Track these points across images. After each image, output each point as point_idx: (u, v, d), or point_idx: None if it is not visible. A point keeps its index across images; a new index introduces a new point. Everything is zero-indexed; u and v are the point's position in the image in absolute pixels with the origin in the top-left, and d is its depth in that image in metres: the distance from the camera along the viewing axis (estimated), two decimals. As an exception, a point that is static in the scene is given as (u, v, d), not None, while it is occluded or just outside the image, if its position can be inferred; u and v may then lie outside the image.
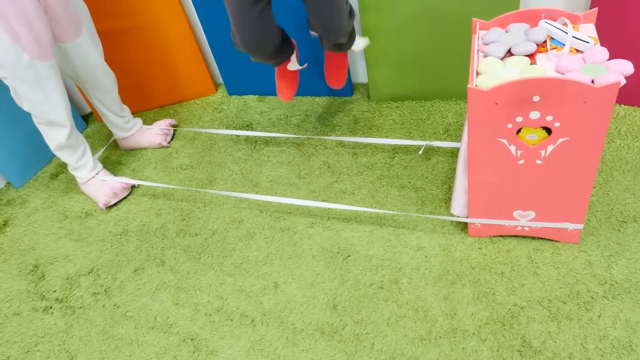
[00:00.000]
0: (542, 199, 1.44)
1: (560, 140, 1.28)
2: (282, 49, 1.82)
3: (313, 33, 2.01)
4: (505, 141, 1.31)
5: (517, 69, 1.26)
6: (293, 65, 1.95)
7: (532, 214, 1.50)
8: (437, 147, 2.01)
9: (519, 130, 1.30)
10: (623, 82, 1.13)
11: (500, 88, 1.20)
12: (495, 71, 1.27)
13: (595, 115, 1.20)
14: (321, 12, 1.59)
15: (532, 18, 1.42)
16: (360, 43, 2.00)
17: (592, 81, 1.17)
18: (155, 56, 2.49)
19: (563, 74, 1.22)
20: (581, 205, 1.43)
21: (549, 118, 1.23)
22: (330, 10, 1.57)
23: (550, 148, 1.30)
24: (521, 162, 1.35)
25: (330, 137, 2.11)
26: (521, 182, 1.41)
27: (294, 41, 1.95)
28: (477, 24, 1.47)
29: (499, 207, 1.51)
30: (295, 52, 1.96)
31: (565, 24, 1.35)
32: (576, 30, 1.34)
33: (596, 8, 1.38)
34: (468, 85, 1.25)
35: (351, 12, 1.75)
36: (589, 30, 1.35)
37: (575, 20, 1.37)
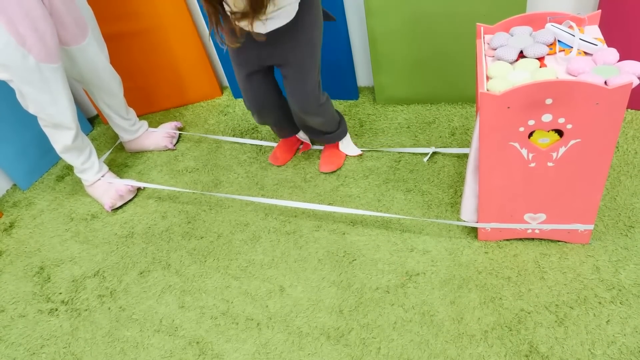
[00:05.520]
0: (553, 201, 1.44)
1: (572, 142, 1.27)
2: (286, 124, 1.99)
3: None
4: (516, 144, 1.31)
5: (528, 73, 1.25)
6: (302, 135, 2.12)
7: (543, 217, 1.49)
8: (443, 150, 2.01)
9: (530, 134, 1.30)
10: (636, 82, 1.13)
11: (513, 92, 1.19)
12: (506, 75, 1.27)
13: (608, 116, 1.19)
14: (289, 89, 1.74)
15: (535, 22, 1.42)
16: (350, 148, 2.06)
17: (605, 82, 1.17)
18: (161, 59, 2.50)
19: (575, 76, 1.22)
20: (592, 206, 1.43)
21: (561, 120, 1.23)
22: (298, 90, 1.72)
23: (562, 150, 1.29)
24: (533, 165, 1.35)
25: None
26: (532, 185, 1.41)
27: None
28: (482, 28, 1.47)
29: (510, 210, 1.50)
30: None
31: (571, 27, 1.35)
32: (581, 32, 1.34)
33: (599, 10, 1.38)
34: (479, 90, 1.24)
35: (326, 107, 1.83)
36: (593, 32, 1.35)
37: (580, 22, 1.37)
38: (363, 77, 2.43)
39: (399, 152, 2.04)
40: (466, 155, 1.96)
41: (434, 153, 1.99)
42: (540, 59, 1.32)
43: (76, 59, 1.93)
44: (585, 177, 1.36)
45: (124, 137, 2.33)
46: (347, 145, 2.05)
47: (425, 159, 1.95)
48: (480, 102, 1.24)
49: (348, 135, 2.04)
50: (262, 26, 1.54)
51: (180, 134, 2.44)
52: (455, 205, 1.78)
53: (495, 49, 1.38)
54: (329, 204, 1.89)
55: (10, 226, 2.14)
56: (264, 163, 2.15)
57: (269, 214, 1.92)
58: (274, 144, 2.21)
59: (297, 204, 1.82)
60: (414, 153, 2.02)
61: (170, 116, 2.61)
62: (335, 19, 1.81)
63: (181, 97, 2.64)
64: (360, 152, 2.06)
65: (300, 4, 1.56)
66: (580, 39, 1.28)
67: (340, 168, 2.02)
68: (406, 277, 1.59)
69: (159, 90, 2.60)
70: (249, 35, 1.54)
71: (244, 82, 1.77)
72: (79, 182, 2.28)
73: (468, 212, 1.58)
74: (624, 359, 1.28)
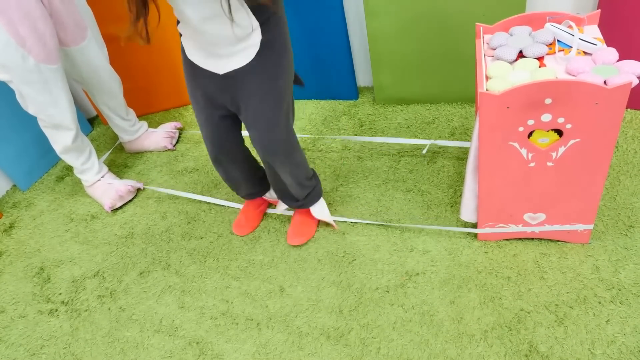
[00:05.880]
0: (553, 200, 1.44)
1: (571, 141, 1.27)
2: (251, 180, 1.74)
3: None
4: (516, 144, 1.31)
5: (528, 72, 1.25)
6: (271, 195, 1.87)
7: (542, 216, 1.49)
8: (442, 150, 2.01)
9: (530, 134, 1.30)
10: (635, 82, 1.13)
11: (513, 92, 1.19)
12: (506, 75, 1.27)
13: (607, 116, 1.20)
14: (252, 136, 1.50)
15: (534, 21, 1.42)
16: (323, 212, 1.77)
17: (604, 82, 1.17)
18: (160, 59, 2.50)
19: (574, 75, 1.22)
20: (592, 206, 1.43)
21: (561, 120, 1.23)
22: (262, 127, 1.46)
23: (562, 150, 1.29)
24: (532, 164, 1.35)
25: (336, 137, 2.11)
26: (532, 184, 1.41)
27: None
28: (481, 28, 1.47)
29: (509, 210, 1.50)
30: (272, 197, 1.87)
31: (570, 27, 1.35)
32: (581, 32, 1.34)
33: (598, 10, 1.38)
34: (479, 90, 1.24)
35: (302, 168, 1.61)
36: (593, 32, 1.35)
37: (579, 22, 1.37)
38: (363, 77, 2.43)
39: (399, 152, 2.04)
40: (464, 151, 1.96)
41: (434, 153, 1.99)
42: (540, 58, 1.32)
43: (76, 60, 1.93)
44: (585, 177, 1.36)
45: (124, 137, 2.33)
46: (322, 211, 1.76)
47: (424, 151, 1.95)
48: (480, 102, 1.24)
49: (322, 200, 1.76)
50: (215, 65, 1.36)
51: (179, 134, 2.44)
52: (455, 205, 1.78)
53: (495, 49, 1.38)
54: (329, 204, 1.89)
55: (10, 227, 2.14)
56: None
57: (268, 214, 1.92)
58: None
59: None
60: (413, 154, 2.02)
61: (170, 116, 2.62)
62: (304, 85, 1.61)
63: (181, 97, 2.64)
64: (334, 224, 1.78)
65: (262, 42, 1.32)
66: (579, 38, 1.28)
67: (310, 239, 1.77)
68: (406, 277, 1.59)
69: (159, 90, 2.60)
70: (203, 70, 1.38)
71: (200, 115, 1.52)
72: (78, 182, 2.29)
73: (468, 212, 1.58)
74: (623, 358, 1.29)
